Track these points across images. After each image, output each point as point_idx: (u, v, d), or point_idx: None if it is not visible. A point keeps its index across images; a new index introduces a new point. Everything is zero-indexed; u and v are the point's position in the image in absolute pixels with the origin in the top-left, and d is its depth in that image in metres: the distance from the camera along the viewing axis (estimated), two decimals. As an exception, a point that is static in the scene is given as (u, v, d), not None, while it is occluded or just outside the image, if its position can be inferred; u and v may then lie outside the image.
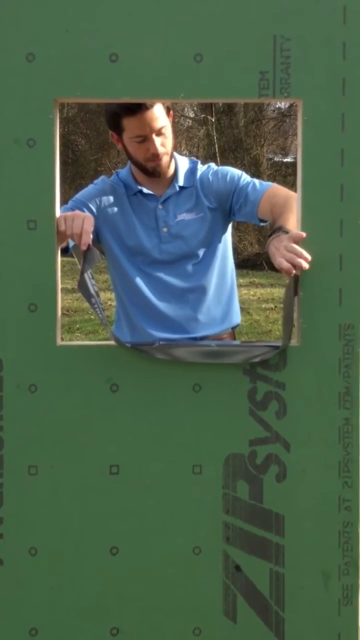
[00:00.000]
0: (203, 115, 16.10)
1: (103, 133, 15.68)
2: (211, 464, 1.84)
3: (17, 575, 1.84)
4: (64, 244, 2.02)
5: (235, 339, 2.63)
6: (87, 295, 1.85)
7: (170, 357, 1.81)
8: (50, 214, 1.80)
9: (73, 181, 15.51)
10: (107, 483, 1.83)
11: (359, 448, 1.83)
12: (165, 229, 2.44)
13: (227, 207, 2.46)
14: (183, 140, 16.44)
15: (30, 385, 1.82)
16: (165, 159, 2.40)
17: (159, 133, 2.34)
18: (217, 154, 14.52)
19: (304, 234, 1.79)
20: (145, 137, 2.34)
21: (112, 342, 1.83)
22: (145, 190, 2.47)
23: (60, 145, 1.99)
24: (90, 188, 2.53)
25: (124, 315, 2.53)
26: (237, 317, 2.60)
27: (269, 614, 1.85)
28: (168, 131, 2.38)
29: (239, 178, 2.46)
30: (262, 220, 2.42)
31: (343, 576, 1.85)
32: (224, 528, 1.85)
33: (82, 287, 1.84)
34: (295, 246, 1.79)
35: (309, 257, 1.78)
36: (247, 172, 2.63)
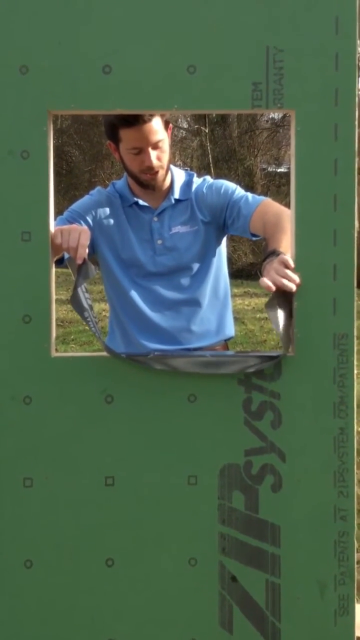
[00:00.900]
0: (197, 126, 16.18)
1: (97, 144, 15.73)
2: (206, 474, 1.83)
3: (12, 588, 1.83)
4: (59, 255, 2.02)
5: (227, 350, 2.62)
6: (80, 310, 1.84)
7: (168, 367, 1.80)
8: (45, 225, 1.80)
9: (67, 192, 15.54)
10: (103, 494, 1.83)
11: (354, 457, 1.83)
12: (160, 241, 2.44)
13: (221, 220, 2.46)
14: (177, 150, 16.52)
15: (25, 397, 1.81)
16: (160, 173, 2.40)
17: (156, 146, 2.34)
18: (211, 165, 14.57)
19: (292, 265, 1.80)
20: (141, 150, 2.33)
21: (107, 354, 1.83)
22: (141, 202, 2.47)
23: (54, 157, 2.00)
24: (86, 199, 2.53)
25: (118, 326, 2.52)
26: (230, 330, 2.60)
27: (265, 625, 1.85)
28: (165, 145, 2.37)
29: (233, 192, 2.45)
30: (254, 235, 2.42)
31: (339, 586, 1.85)
32: (220, 539, 1.84)
33: (75, 300, 1.84)
34: (282, 269, 1.79)
35: (297, 280, 1.78)
36: (240, 182, 2.65)
